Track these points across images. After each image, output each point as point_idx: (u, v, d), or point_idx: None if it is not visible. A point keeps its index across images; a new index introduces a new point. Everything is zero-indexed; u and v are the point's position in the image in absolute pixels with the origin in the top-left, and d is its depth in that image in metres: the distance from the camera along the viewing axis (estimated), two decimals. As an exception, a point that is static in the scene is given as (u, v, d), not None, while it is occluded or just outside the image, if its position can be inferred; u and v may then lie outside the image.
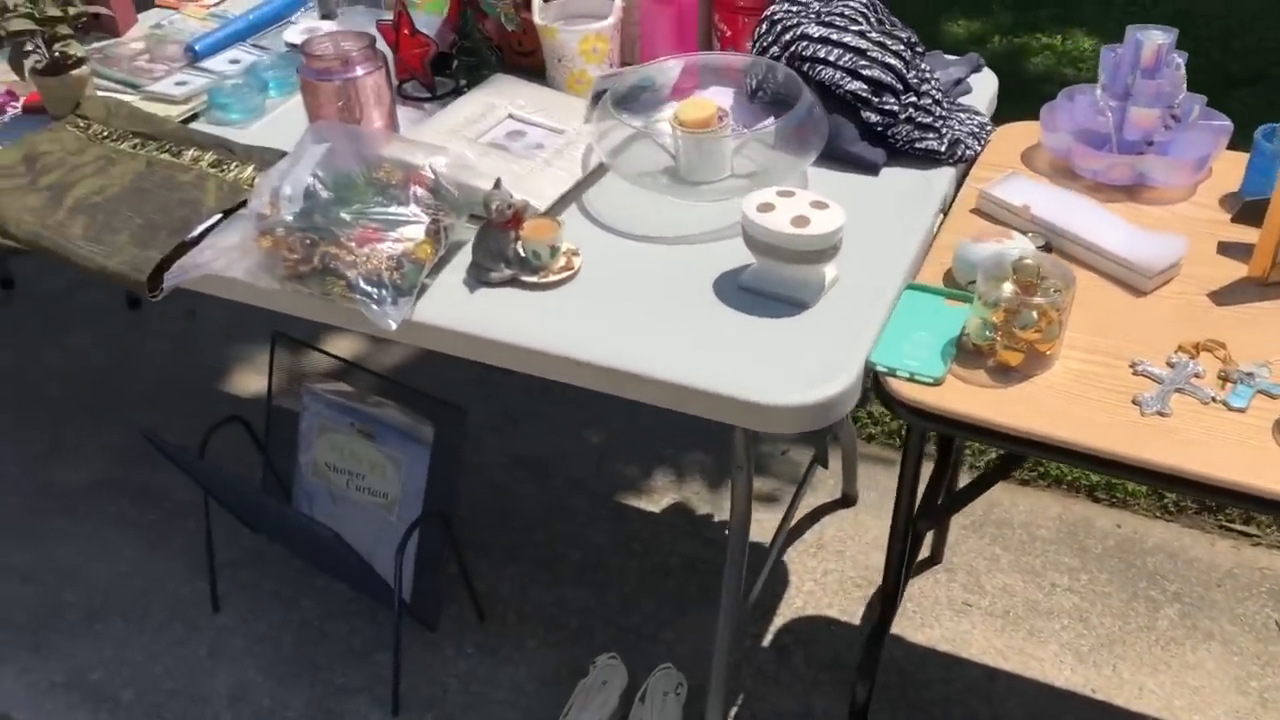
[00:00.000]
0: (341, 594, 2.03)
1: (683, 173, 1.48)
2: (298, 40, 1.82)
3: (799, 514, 2.18)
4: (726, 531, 2.18)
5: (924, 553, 2.12)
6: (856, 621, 1.99)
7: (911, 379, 1.18)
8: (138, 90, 1.76)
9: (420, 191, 1.35)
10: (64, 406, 2.55)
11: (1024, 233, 1.31)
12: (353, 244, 1.28)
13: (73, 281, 2.92)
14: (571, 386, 1.25)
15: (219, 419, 1.95)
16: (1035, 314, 1.15)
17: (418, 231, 1.31)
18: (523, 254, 1.33)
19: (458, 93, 1.71)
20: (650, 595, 2.04)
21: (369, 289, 1.26)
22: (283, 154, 1.54)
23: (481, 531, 2.16)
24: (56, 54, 1.66)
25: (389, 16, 1.78)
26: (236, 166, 1.52)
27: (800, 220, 1.22)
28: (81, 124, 1.65)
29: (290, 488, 2.04)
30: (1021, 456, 1.46)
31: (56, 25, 1.63)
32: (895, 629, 1.96)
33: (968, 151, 1.49)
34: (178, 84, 1.75)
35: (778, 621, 1.99)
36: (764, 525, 2.20)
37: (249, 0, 2.03)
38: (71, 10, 1.64)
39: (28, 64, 1.64)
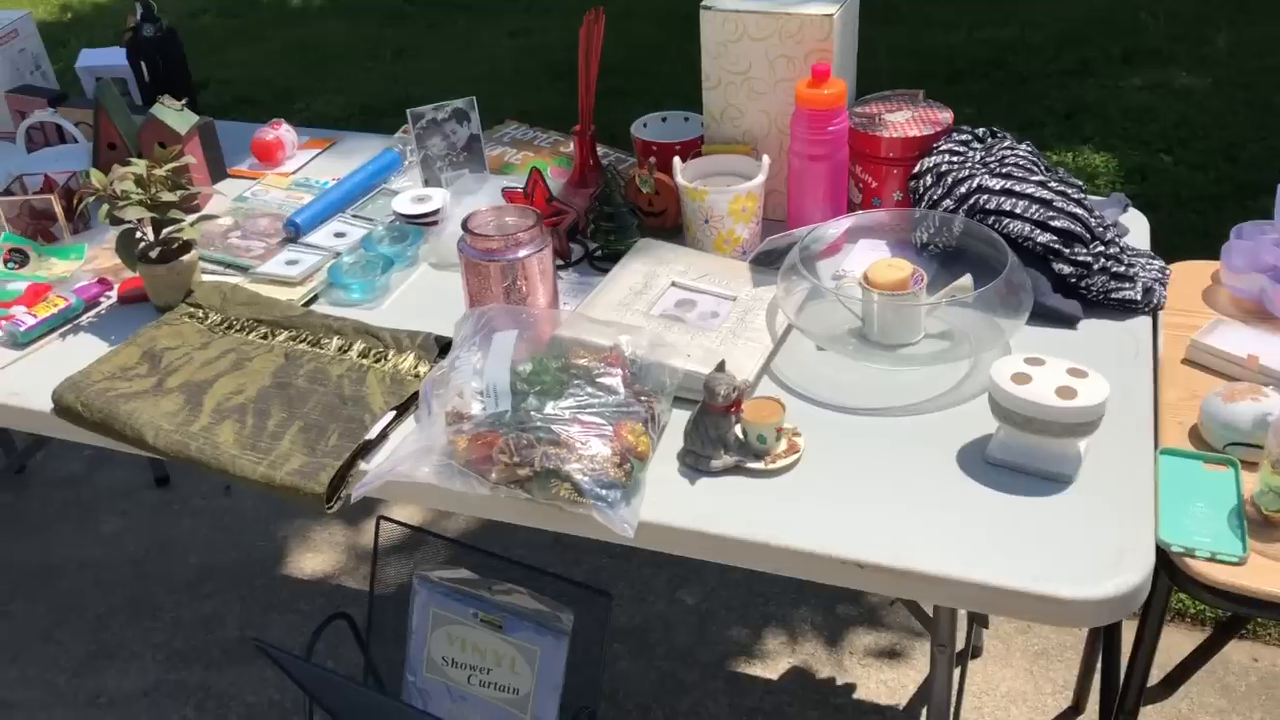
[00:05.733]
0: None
1: (875, 335, 1.40)
2: (407, 209, 1.72)
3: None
4: (854, 697, 2.05)
5: (1062, 701, 2.01)
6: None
7: (1213, 559, 1.10)
8: (246, 272, 1.63)
9: (623, 375, 1.25)
10: (104, 602, 2.34)
11: (1265, 385, 1.25)
12: (575, 441, 1.16)
13: (90, 461, 2.73)
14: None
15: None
16: (1340, 480, 1.08)
17: (635, 422, 1.20)
18: (744, 439, 1.23)
19: (590, 259, 1.63)
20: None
21: (602, 491, 1.14)
22: (436, 337, 1.43)
23: (596, 716, 2.00)
24: (165, 239, 1.53)
25: (509, 183, 1.70)
26: (393, 355, 1.40)
27: (1065, 391, 1.15)
28: (199, 313, 1.51)
29: (395, 685, 1.87)
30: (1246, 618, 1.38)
31: (169, 210, 1.51)
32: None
33: (1162, 299, 1.44)
34: (289, 263, 1.64)
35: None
36: (889, 686, 2.08)
37: (333, 166, 1.94)
38: (182, 193, 1.52)
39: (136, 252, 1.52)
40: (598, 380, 1.23)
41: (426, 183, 1.81)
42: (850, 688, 2.07)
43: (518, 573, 1.75)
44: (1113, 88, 3.98)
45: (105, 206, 1.50)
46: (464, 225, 1.38)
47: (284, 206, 1.81)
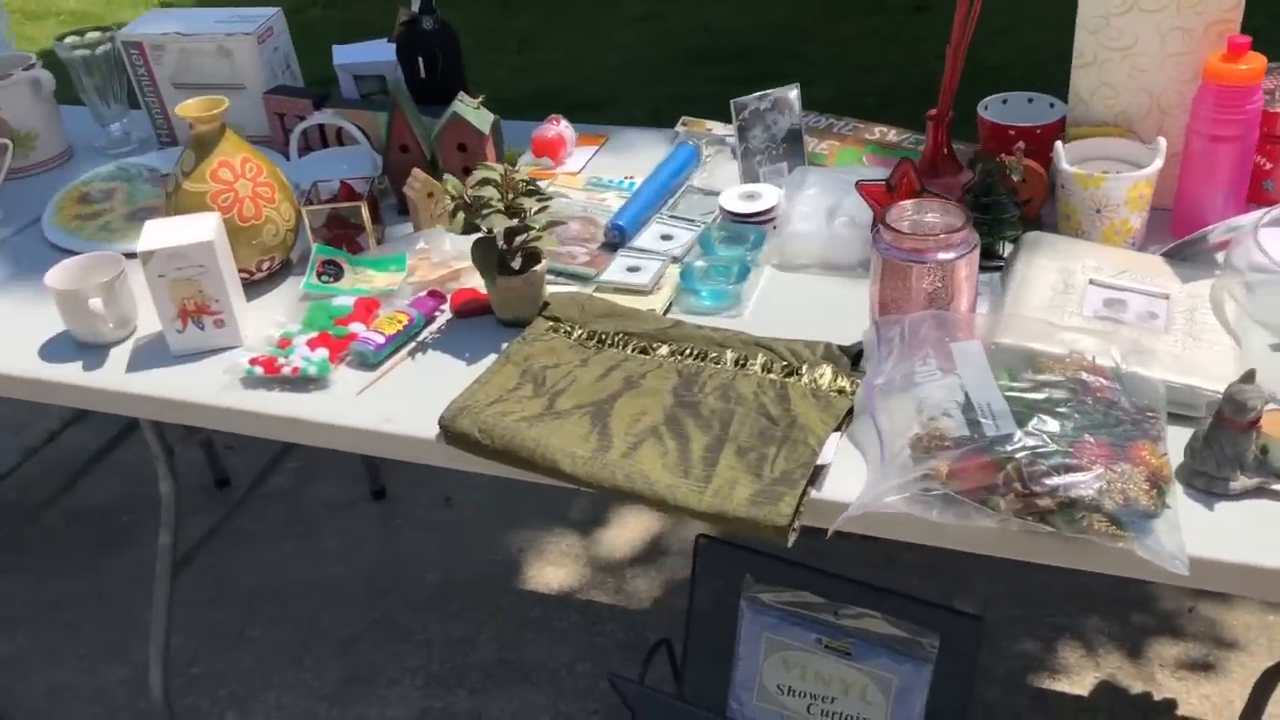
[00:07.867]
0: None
1: (1338, 335, 1.26)
2: (737, 208, 1.60)
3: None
4: (1180, 714, 1.92)
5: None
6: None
7: None
8: (586, 281, 1.52)
9: (1114, 389, 1.12)
10: (346, 625, 2.24)
11: None
12: (1097, 466, 1.04)
13: (298, 474, 2.63)
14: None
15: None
16: None
17: (1150, 441, 1.08)
18: (1264, 456, 1.10)
19: (955, 255, 1.50)
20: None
21: (1142, 522, 1.01)
22: (840, 347, 1.31)
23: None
24: (518, 247, 1.42)
25: (866, 176, 1.57)
26: (806, 369, 1.28)
27: None
28: (563, 327, 1.40)
29: (716, 711, 1.75)
30: None
31: (526, 217, 1.40)
32: None
33: None
34: (630, 269, 1.52)
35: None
36: (1214, 702, 1.94)
37: (618, 163, 1.82)
38: (540, 199, 1.41)
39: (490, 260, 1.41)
40: (1097, 395, 1.11)
41: (743, 178, 1.69)
42: (1170, 704, 1.94)
43: (869, 595, 1.62)
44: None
45: (460, 215, 1.39)
46: (883, 222, 1.26)
47: (589, 209, 1.69)
